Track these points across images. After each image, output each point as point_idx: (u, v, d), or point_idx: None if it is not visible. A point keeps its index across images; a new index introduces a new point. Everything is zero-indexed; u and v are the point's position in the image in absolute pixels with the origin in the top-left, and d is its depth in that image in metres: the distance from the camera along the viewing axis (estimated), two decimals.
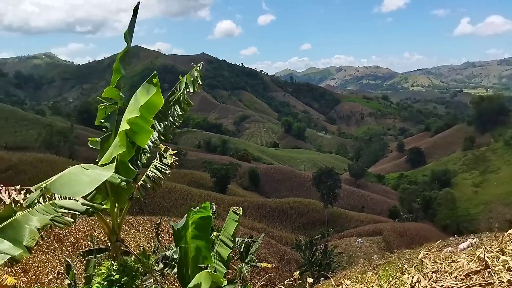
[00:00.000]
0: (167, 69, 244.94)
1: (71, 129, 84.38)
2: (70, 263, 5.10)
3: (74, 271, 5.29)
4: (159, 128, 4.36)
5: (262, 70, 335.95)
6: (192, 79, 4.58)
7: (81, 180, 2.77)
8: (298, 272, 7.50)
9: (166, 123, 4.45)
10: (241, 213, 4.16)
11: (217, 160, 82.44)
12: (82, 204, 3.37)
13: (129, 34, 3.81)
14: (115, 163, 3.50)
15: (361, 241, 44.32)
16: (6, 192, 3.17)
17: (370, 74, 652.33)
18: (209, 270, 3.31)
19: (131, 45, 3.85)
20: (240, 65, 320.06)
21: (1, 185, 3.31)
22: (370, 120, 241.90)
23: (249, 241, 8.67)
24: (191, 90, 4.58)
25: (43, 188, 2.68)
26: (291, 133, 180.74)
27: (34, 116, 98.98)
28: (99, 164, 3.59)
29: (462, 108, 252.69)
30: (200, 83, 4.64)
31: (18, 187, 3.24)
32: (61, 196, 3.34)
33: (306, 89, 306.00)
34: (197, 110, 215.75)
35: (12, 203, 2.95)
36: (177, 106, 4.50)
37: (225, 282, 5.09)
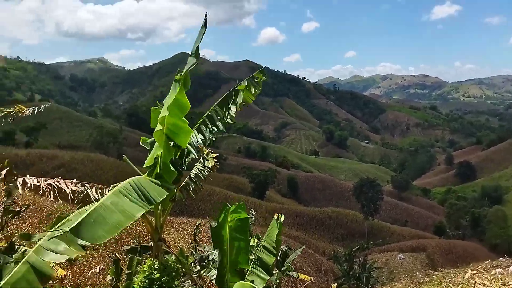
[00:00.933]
0: (210, 76, 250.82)
1: (120, 131, 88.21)
2: (119, 258, 5.30)
3: (120, 268, 5.48)
4: (204, 132, 4.46)
5: (304, 77, 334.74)
6: (253, 86, 4.65)
7: (106, 223, 2.85)
8: (335, 284, 7.35)
9: (212, 127, 4.54)
10: (282, 220, 4.13)
11: (257, 166, 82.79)
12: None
13: (196, 48, 3.92)
14: (158, 171, 3.65)
15: (403, 256, 42.54)
16: (64, 183, 3.43)
17: (417, 83, 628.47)
18: (255, 286, 3.31)
19: (192, 53, 3.96)
20: (283, 72, 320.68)
21: (59, 177, 3.60)
22: (417, 131, 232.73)
23: (287, 249, 8.61)
24: (252, 97, 4.64)
25: (64, 232, 2.75)
26: (333, 141, 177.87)
27: (86, 118, 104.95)
28: (144, 166, 3.75)
29: None
30: (258, 90, 4.67)
31: (74, 180, 3.48)
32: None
33: (349, 97, 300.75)
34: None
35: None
36: (228, 111, 4.58)
37: None
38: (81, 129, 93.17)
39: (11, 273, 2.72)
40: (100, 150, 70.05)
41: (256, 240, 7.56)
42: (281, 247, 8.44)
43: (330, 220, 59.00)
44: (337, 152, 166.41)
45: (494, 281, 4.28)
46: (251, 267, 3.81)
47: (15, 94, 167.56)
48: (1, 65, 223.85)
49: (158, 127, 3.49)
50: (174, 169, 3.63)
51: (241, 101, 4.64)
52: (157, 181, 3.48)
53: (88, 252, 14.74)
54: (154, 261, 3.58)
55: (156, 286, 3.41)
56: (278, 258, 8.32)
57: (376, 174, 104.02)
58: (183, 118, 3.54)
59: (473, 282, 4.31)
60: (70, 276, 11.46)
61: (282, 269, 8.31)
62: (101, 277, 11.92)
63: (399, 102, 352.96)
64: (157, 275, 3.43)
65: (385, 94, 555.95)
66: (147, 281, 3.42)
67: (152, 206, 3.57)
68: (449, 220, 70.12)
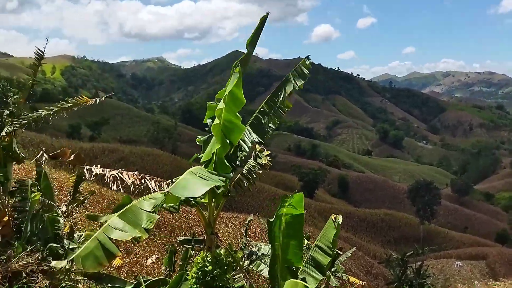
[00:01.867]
0: (263, 73, 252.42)
1: (175, 127, 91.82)
2: (176, 249, 5.55)
3: (175, 259, 5.74)
4: (257, 129, 4.51)
5: (358, 75, 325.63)
6: (298, 74, 4.63)
7: (196, 184, 3.35)
8: None
9: (265, 123, 4.58)
10: (340, 221, 4.08)
11: (306, 164, 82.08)
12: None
13: (251, 43, 4.00)
14: (214, 165, 3.81)
15: (460, 264, 40.11)
16: (126, 175, 3.69)
17: (483, 80, 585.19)
18: (306, 284, 3.32)
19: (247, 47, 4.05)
20: (336, 69, 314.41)
21: (122, 169, 3.89)
22: (481, 132, 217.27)
23: (336, 251, 8.49)
24: (297, 85, 4.63)
25: (167, 193, 3.22)
26: (387, 141, 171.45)
27: (145, 114, 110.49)
28: (201, 161, 3.91)
29: None
30: (306, 78, 4.64)
31: (136, 172, 3.72)
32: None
33: (406, 95, 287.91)
34: (289, 114, 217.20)
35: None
36: (278, 107, 4.61)
37: None
38: (139, 124, 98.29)
39: (81, 248, 3.03)
40: (156, 145, 73.43)
41: (306, 241, 7.53)
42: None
43: (382, 222, 57.07)
44: (391, 152, 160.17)
45: None
46: (304, 266, 3.82)
47: (81, 91, 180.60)
48: (69, 64, 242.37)
49: (216, 121, 3.61)
50: (228, 165, 3.74)
51: (291, 89, 4.61)
52: (215, 172, 3.66)
53: (144, 242, 15.56)
54: (207, 254, 3.72)
55: (209, 278, 3.54)
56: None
57: (433, 177, 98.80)
58: (237, 114, 3.63)
59: None
60: (127, 264, 12.17)
61: (332, 269, 8.21)
62: (155, 266, 12.53)
63: (461, 100, 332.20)
64: (210, 267, 3.56)
65: (446, 92, 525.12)
66: (200, 272, 3.56)
67: (221, 184, 3.76)
68: None
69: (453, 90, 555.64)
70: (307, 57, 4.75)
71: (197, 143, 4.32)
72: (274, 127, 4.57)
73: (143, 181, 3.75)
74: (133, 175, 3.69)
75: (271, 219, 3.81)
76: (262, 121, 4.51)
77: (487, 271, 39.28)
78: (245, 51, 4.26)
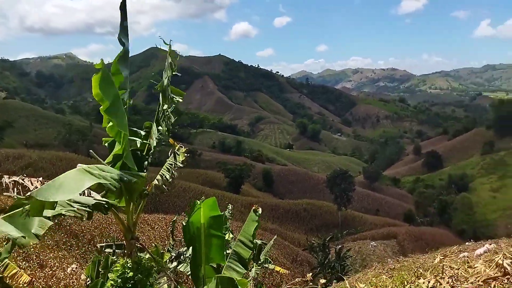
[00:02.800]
0: (183, 71, 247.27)
1: (90, 128, 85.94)
2: (98, 259, 5.16)
3: (94, 268, 5.34)
4: (160, 123, 4.39)
5: (278, 72, 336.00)
6: (168, 65, 4.57)
7: (77, 181, 2.85)
8: (311, 274, 7.47)
9: (167, 118, 4.46)
10: (260, 213, 4.13)
11: (232, 160, 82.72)
12: (97, 200, 3.44)
13: (123, 36, 3.80)
14: (118, 163, 3.58)
15: (375, 244, 43.80)
16: (29, 181, 3.31)
17: (387, 76, 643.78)
18: (233, 277, 3.30)
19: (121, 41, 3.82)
20: (256, 66, 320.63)
21: (25, 175, 3.47)
22: (386, 123, 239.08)
23: (261, 242, 8.68)
24: (169, 74, 4.56)
25: (29, 197, 2.65)
26: (306, 134, 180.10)
27: (54, 115, 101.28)
28: (105, 162, 3.67)
29: (481, 112, 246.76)
30: (174, 67, 4.59)
31: (40, 178, 3.36)
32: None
33: (321, 91, 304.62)
34: (212, 111, 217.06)
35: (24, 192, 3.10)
36: (167, 100, 4.51)
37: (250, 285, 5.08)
38: (48, 126, 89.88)
39: None
40: (69, 148, 68.06)
41: (231, 235, 7.57)
42: (256, 241, 8.49)
43: (304, 212, 59.83)
44: (310, 145, 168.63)
45: (461, 265, 4.48)
46: (227, 262, 3.81)
47: None
48: None
49: (110, 123, 3.42)
50: (134, 166, 3.57)
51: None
52: (116, 170, 3.42)
53: (60, 253, 14.33)
54: (127, 260, 3.52)
55: (130, 285, 3.35)
56: (254, 251, 8.37)
57: (348, 166, 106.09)
58: (123, 121, 3.45)
59: (442, 266, 4.49)
60: (41, 278, 11.11)
61: (259, 262, 8.38)
62: (74, 277, 11.61)
63: (369, 95, 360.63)
64: (131, 274, 3.37)
65: (356, 87, 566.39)
66: (120, 280, 3.36)
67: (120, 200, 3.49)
68: (418, 208, 72.54)
69: (361, 85, 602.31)
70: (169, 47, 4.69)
71: (105, 145, 4.05)
72: (172, 122, 4.46)
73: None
74: (37, 181, 3.33)
75: (186, 224, 3.73)
76: (164, 117, 4.40)
77: (397, 248, 43.41)
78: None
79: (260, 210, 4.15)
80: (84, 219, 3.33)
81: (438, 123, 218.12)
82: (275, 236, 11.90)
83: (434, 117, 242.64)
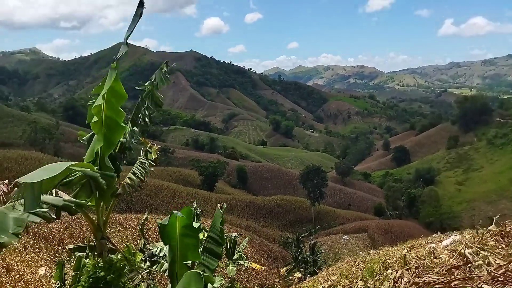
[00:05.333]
0: (154, 66, 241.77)
1: (57, 126, 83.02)
2: (63, 261, 5.01)
3: (63, 271, 5.18)
4: (136, 123, 4.34)
5: (250, 68, 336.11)
6: (162, 74, 4.56)
7: (50, 167, 2.78)
8: (284, 268, 7.58)
9: (144, 118, 4.43)
10: (224, 207, 4.15)
11: (205, 158, 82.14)
12: (65, 200, 3.35)
13: (127, 36, 3.73)
14: (98, 166, 3.49)
15: (347, 238, 44.82)
16: None
17: (357, 73, 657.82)
18: (200, 272, 3.30)
19: (124, 42, 3.75)
20: (229, 62, 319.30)
21: None
22: (357, 119, 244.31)
23: (235, 236, 8.68)
24: (163, 85, 4.55)
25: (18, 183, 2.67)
26: (279, 131, 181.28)
27: (19, 113, 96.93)
28: (85, 162, 3.57)
29: (447, 108, 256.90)
30: (168, 77, 4.59)
31: (6, 181, 3.23)
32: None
33: (294, 88, 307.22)
34: (185, 108, 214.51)
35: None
36: (150, 100, 4.46)
37: (218, 281, 5.09)
38: (12, 125, 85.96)
39: None
40: (35, 147, 65.58)
41: (204, 233, 7.54)
42: (231, 236, 8.50)
43: (279, 208, 60.33)
44: (284, 141, 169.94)
45: (428, 256, 4.68)
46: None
47: None
48: None
49: (95, 118, 3.33)
50: (111, 165, 3.50)
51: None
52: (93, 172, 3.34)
53: (27, 256, 13.81)
54: (98, 260, 3.46)
55: (102, 285, 3.30)
56: (229, 247, 8.38)
57: (321, 161, 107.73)
58: (120, 109, 3.40)
59: (409, 257, 4.68)
60: (7, 283, 10.69)
61: (233, 258, 8.39)
62: (43, 281, 11.24)
63: (340, 91, 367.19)
64: (102, 273, 3.32)
65: (327, 84, 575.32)
66: (91, 279, 3.30)
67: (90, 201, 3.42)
68: (388, 201, 74.61)
69: (332, 82, 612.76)
70: (167, 63, 4.72)
71: (80, 140, 3.94)
72: (150, 122, 4.43)
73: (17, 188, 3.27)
74: (3, 184, 3.19)
75: (162, 222, 3.70)
76: (141, 115, 4.35)
77: (368, 241, 44.63)
78: (132, 42, 4.02)
79: (224, 205, 4.20)
80: (51, 220, 3.23)
81: (405, 119, 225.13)
82: (249, 235, 11.97)
83: (402, 113, 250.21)
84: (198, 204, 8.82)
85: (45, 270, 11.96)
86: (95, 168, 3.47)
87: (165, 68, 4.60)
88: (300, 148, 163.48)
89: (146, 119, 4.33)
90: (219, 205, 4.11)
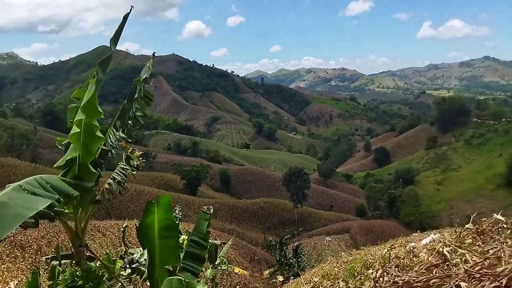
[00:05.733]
0: (136, 70, 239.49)
1: (34, 132, 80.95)
2: (38, 271, 4.85)
3: (39, 281, 5.02)
4: (122, 128, 4.27)
5: (233, 72, 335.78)
6: (146, 74, 4.48)
7: (5, 215, 2.30)
8: (267, 271, 7.57)
9: (129, 122, 4.36)
10: (211, 212, 4.10)
11: (188, 162, 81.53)
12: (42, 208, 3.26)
13: (114, 41, 3.65)
14: (76, 172, 3.40)
15: (329, 239, 45.17)
16: None
17: (338, 76, 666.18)
18: (182, 278, 3.25)
19: (112, 50, 3.67)
20: (211, 66, 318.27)
21: None
22: (339, 121, 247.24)
23: (219, 243, 8.63)
24: (147, 84, 4.47)
25: None
26: (262, 134, 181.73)
27: None
28: (54, 166, 3.48)
29: (425, 109, 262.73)
30: (151, 73, 4.52)
31: None
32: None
33: (276, 91, 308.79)
34: (167, 112, 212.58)
35: None
36: (136, 105, 4.40)
37: (201, 286, 5.04)
38: None
39: None
40: (12, 154, 63.79)
41: (186, 237, 7.47)
42: (214, 241, 8.44)
43: (262, 210, 60.35)
44: (267, 144, 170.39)
45: (407, 255, 4.76)
46: (182, 263, 3.77)
47: None
48: None
49: (75, 129, 3.25)
50: (94, 171, 3.42)
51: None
52: (70, 180, 3.25)
53: (3, 266, 13.37)
54: (76, 268, 3.38)
55: None
56: (211, 252, 8.32)
57: (303, 164, 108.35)
58: (95, 123, 3.31)
59: (390, 256, 4.74)
60: None
61: (216, 263, 8.34)
62: None
63: (322, 94, 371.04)
64: (80, 282, 3.24)
65: (309, 86, 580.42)
66: None
67: (66, 207, 3.34)
68: (369, 202, 75.65)
69: (314, 85, 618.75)
70: (150, 60, 4.65)
71: (58, 146, 3.84)
72: (139, 126, 4.37)
73: None
74: None
75: (139, 224, 3.62)
76: (127, 120, 4.29)
77: (350, 242, 45.05)
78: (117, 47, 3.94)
79: (211, 209, 4.14)
80: (29, 228, 3.13)
81: (386, 120, 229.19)
82: (233, 237, 11.92)
83: (382, 114, 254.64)
84: (180, 209, 8.73)
85: (19, 280, 11.61)
86: (72, 176, 3.38)
87: (151, 60, 4.52)
88: (283, 150, 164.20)
89: (131, 122, 4.25)
90: (204, 207, 4.06)
